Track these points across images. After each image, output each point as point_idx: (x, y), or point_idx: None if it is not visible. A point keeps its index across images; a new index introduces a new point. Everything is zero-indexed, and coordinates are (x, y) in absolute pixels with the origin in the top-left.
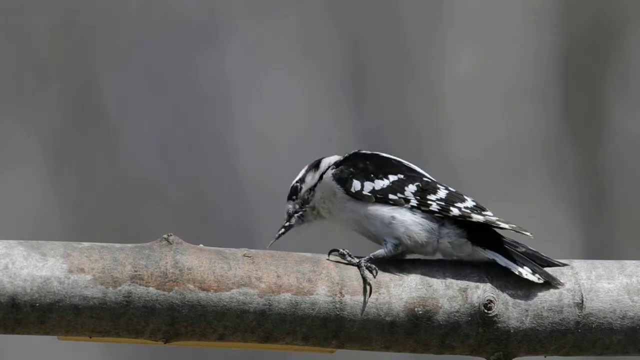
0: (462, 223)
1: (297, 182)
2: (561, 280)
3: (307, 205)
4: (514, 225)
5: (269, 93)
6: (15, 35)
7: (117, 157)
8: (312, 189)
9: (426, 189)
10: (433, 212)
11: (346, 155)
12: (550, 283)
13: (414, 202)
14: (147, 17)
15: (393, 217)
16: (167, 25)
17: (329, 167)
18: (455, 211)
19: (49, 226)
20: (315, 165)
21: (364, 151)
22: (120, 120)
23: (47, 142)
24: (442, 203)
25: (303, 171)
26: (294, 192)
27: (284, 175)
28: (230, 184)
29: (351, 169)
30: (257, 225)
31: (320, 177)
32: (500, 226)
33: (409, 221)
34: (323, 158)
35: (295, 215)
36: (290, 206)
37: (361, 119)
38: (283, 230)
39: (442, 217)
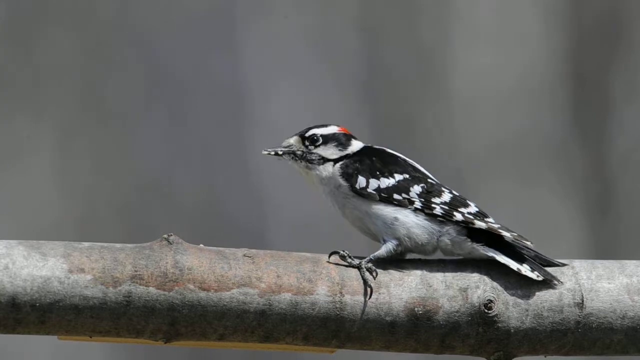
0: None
1: (320, 135)
2: (561, 280)
3: (303, 160)
4: (515, 234)
5: (284, 94)
6: (27, 34)
7: (128, 158)
8: (322, 160)
9: (431, 191)
10: (436, 215)
11: (359, 148)
12: (549, 281)
13: (418, 204)
14: (161, 16)
15: (396, 218)
16: (182, 24)
17: (346, 155)
18: (458, 216)
19: (58, 225)
20: (343, 144)
21: (375, 146)
22: (132, 120)
23: (58, 140)
24: (446, 207)
25: (331, 131)
26: (310, 140)
27: (298, 177)
28: (243, 185)
29: (357, 165)
30: (269, 228)
31: (335, 162)
32: (502, 234)
33: (411, 223)
34: (351, 140)
35: (288, 154)
36: (296, 146)
37: (374, 116)
38: (282, 153)
39: (444, 221)
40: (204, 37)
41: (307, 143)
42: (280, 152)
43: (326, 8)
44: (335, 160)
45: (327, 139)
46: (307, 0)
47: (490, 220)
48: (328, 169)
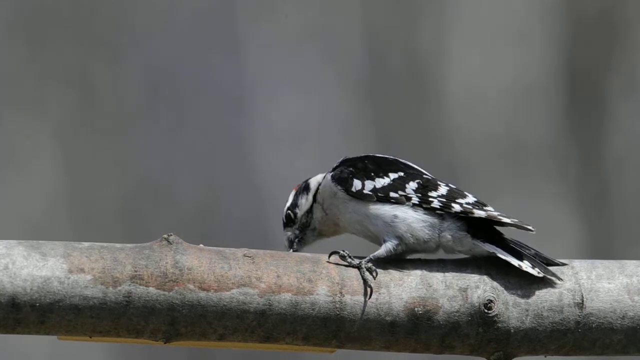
0: (463, 217)
1: (289, 208)
2: (561, 278)
3: (308, 229)
4: (516, 220)
5: (285, 94)
6: (28, 34)
7: (128, 158)
8: (310, 211)
9: (427, 185)
10: (435, 209)
11: (335, 165)
12: (549, 279)
13: (415, 200)
14: (162, 17)
15: (395, 216)
16: (183, 24)
17: (318, 184)
18: (456, 207)
19: (58, 225)
20: (305, 188)
21: (352, 156)
22: (132, 120)
23: (58, 140)
24: (444, 199)
25: (292, 196)
26: (290, 219)
27: (300, 177)
28: (244, 185)
29: (350, 169)
30: (272, 228)
31: (314, 198)
32: (502, 220)
33: (411, 219)
34: (309, 179)
35: (297, 240)
36: (289, 233)
37: (375, 116)
38: (296, 248)
39: (443, 214)
40: (205, 37)
41: (291, 225)
42: (295, 248)
43: (327, 8)
44: (314, 197)
45: (294, 206)
46: (308, 0)
47: (489, 208)
48: (318, 214)
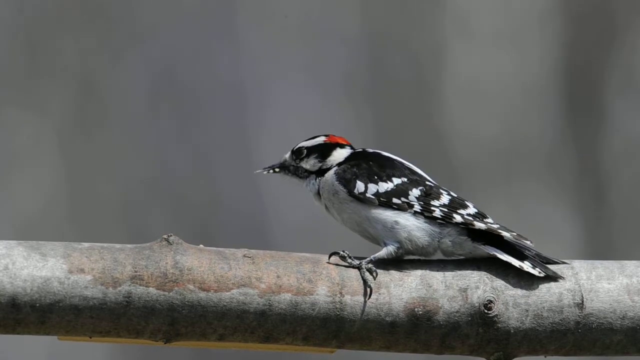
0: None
1: (305, 148)
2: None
3: (294, 175)
4: (515, 234)
5: (286, 94)
6: (29, 33)
7: (128, 158)
8: (307, 172)
9: (430, 194)
10: (436, 218)
11: (353, 151)
12: (550, 277)
13: (417, 208)
14: (164, 16)
15: (396, 222)
16: (184, 24)
17: (335, 165)
18: (458, 218)
19: (58, 225)
20: (324, 153)
21: (369, 150)
22: (133, 120)
23: (58, 140)
24: (445, 209)
25: (317, 142)
26: (298, 155)
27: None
28: (244, 185)
29: (354, 170)
30: (272, 226)
31: (320, 171)
32: (501, 234)
33: (411, 226)
34: (335, 150)
35: (287, 170)
36: (288, 161)
37: (374, 117)
38: (278, 169)
39: (444, 222)
40: (206, 36)
41: (294, 157)
42: (277, 170)
43: (326, 8)
44: (319, 172)
45: (310, 152)
46: (308, 0)
47: (490, 220)
48: (312, 181)
